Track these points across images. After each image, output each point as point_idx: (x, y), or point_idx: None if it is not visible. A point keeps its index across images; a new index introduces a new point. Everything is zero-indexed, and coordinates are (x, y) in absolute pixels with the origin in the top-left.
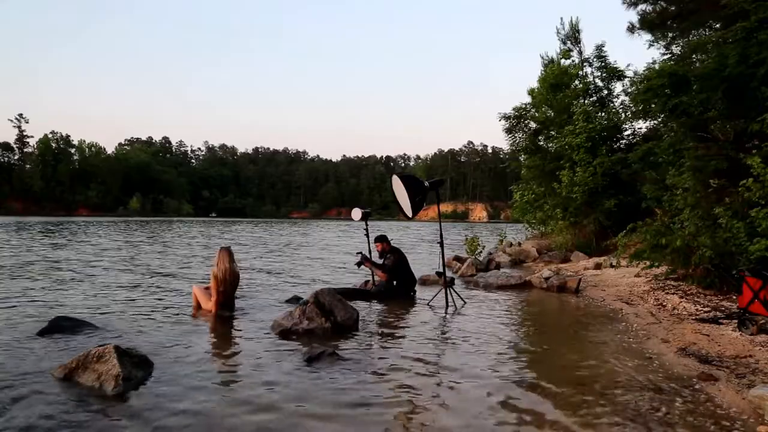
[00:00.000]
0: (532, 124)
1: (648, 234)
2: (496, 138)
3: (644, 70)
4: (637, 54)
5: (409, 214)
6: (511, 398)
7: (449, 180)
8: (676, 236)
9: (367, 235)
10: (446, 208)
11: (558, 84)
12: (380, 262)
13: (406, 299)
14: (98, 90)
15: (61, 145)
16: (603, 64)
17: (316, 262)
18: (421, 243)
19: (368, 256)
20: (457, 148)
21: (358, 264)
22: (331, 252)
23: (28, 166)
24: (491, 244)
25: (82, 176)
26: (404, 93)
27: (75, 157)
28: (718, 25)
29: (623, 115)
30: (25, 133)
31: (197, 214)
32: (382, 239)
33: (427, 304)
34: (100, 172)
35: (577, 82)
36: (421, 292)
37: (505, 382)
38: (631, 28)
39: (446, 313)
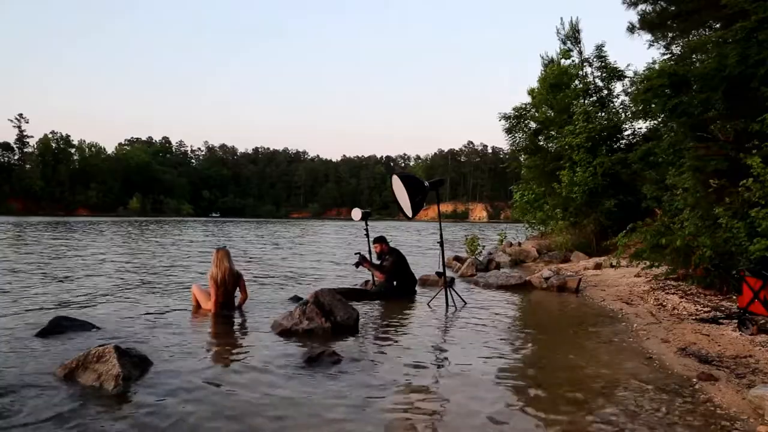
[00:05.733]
0: (532, 124)
1: (648, 234)
2: (496, 138)
3: (644, 70)
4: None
5: (409, 214)
6: (511, 399)
7: (449, 180)
8: (676, 236)
9: (367, 236)
10: (446, 208)
11: (558, 84)
12: (378, 263)
13: (407, 300)
14: (98, 90)
15: (61, 145)
16: (603, 64)
17: (317, 261)
18: (421, 243)
19: (367, 256)
20: (457, 148)
21: (357, 264)
22: (331, 252)
23: (28, 166)
24: (491, 244)
25: (82, 176)
26: (404, 93)
27: (75, 157)
28: (718, 25)
29: (623, 115)
30: (25, 133)
31: (197, 214)
32: (380, 240)
33: (427, 305)
34: (100, 172)
35: (577, 82)
36: (421, 292)
37: (505, 382)
38: (631, 28)
39: (446, 313)
